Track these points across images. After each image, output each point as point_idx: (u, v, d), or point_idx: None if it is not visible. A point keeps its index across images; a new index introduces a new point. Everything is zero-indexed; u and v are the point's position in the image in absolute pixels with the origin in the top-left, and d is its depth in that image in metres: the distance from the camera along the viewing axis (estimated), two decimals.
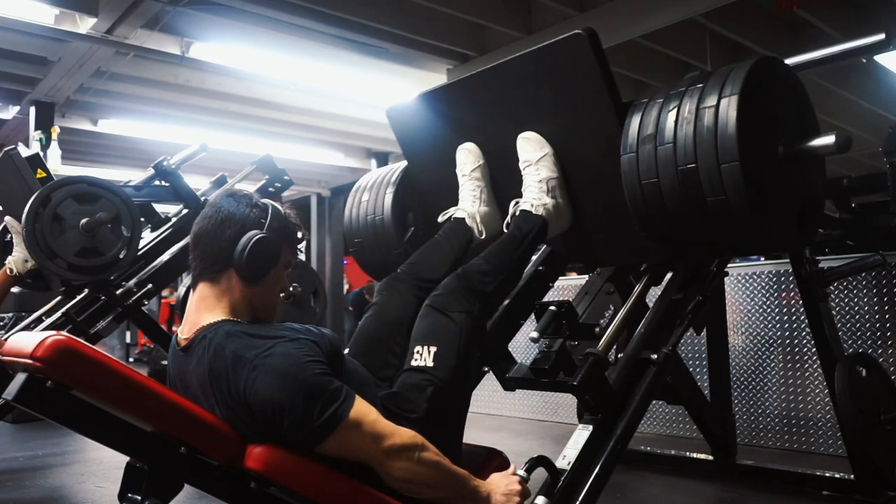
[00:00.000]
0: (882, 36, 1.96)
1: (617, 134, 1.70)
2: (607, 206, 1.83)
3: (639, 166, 1.64)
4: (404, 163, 2.44)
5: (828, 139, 1.62)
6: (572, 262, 2.26)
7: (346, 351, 1.58)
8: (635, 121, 1.67)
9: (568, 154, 1.87)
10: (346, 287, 11.22)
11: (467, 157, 2.01)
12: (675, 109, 1.61)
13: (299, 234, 1.52)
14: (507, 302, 2.09)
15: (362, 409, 1.28)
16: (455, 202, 2.02)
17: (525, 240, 1.81)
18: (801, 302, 2.95)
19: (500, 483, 1.42)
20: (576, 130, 1.83)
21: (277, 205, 1.47)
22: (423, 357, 1.50)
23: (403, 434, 1.31)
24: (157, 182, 3.26)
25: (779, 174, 1.64)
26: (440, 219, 2.01)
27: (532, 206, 1.84)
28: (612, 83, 1.72)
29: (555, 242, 2.08)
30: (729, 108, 1.51)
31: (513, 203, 1.88)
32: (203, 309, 1.37)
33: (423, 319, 1.58)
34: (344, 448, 1.27)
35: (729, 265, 2.21)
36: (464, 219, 1.95)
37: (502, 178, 1.99)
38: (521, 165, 1.90)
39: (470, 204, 1.96)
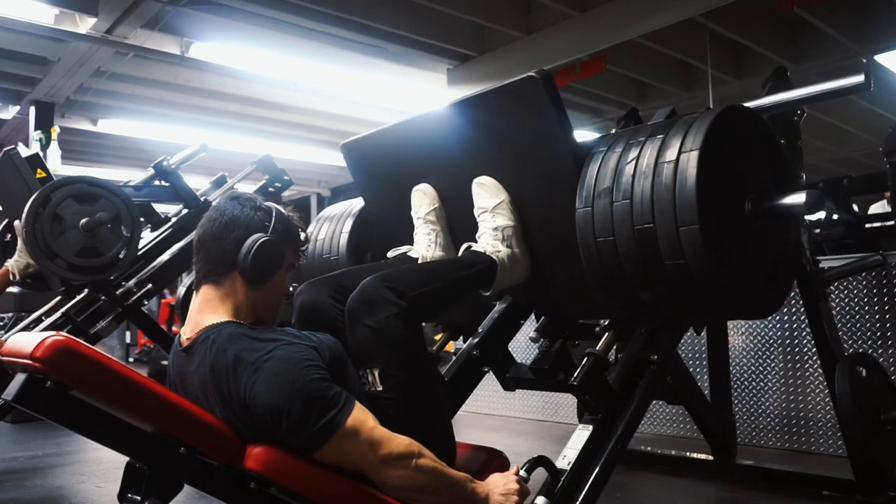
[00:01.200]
0: (861, 78, 1.91)
1: (574, 182, 1.58)
2: (567, 257, 1.68)
3: (594, 222, 1.52)
4: (361, 201, 2.32)
5: (798, 198, 1.52)
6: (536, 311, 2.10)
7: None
8: (592, 171, 1.55)
9: (526, 201, 1.75)
10: None
11: (422, 200, 1.90)
12: (634, 162, 1.48)
13: (303, 237, 1.51)
14: (507, 303, 2.09)
15: (360, 416, 1.27)
16: (412, 244, 1.93)
17: (467, 268, 1.68)
18: (801, 302, 2.95)
19: (498, 483, 1.41)
20: (532, 177, 1.71)
21: (281, 207, 1.47)
22: (371, 381, 1.44)
23: (400, 442, 1.31)
24: (157, 182, 3.26)
25: (745, 233, 1.52)
26: (390, 254, 1.91)
27: (485, 252, 1.72)
28: (568, 128, 1.61)
29: (515, 292, 1.97)
30: (689, 165, 1.38)
31: (464, 246, 1.78)
32: (206, 310, 1.37)
33: (353, 334, 1.49)
34: (341, 456, 1.27)
35: None
36: (416, 259, 1.86)
37: (459, 223, 1.87)
38: (476, 212, 1.78)
39: (425, 248, 1.87)
